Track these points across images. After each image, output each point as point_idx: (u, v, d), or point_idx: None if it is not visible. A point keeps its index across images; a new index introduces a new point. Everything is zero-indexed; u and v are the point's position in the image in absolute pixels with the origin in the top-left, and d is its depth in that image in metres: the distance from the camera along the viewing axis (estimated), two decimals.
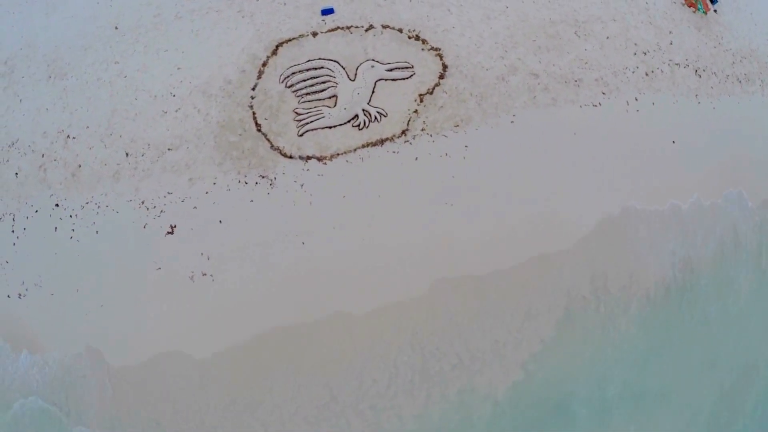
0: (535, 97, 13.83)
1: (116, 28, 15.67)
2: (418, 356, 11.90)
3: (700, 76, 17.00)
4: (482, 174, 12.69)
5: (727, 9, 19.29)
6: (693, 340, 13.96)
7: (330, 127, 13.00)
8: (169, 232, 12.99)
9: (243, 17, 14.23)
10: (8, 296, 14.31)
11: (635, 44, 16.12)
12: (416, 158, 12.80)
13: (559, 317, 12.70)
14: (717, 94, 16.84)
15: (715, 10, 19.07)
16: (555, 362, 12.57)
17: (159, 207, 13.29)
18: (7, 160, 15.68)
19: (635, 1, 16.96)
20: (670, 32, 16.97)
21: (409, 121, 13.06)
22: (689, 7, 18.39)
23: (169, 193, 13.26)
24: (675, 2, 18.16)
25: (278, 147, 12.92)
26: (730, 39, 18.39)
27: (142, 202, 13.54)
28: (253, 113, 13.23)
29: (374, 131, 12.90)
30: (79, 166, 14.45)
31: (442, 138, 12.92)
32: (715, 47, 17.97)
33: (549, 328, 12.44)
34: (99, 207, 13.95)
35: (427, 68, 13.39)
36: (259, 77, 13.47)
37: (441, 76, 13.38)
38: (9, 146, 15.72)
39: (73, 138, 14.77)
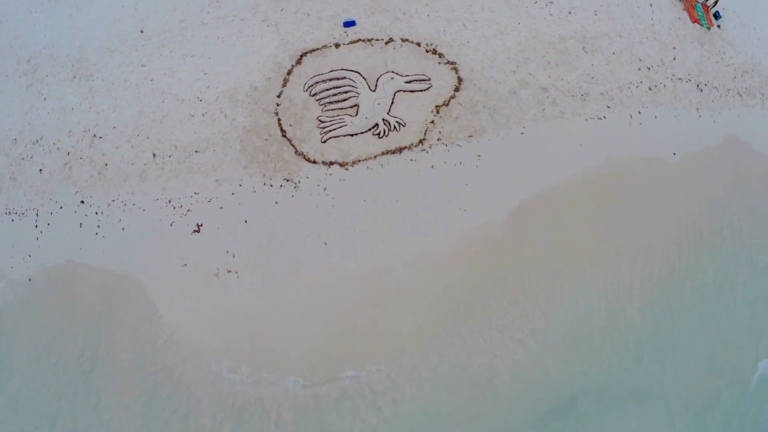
0: (544, 110, 15.47)
1: (142, 31, 17.10)
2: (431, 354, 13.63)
3: (702, 91, 18.73)
4: (494, 182, 14.32)
5: (730, 25, 21.02)
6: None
7: (351, 135, 14.59)
8: (195, 231, 14.48)
9: (268, 26, 15.74)
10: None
11: (640, 60, 17.81)
12: (432, 166, 14.38)
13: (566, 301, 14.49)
14: (718, 107, 18.57)
15: (718, 26, 20.80)
16: (560, 344, 14.21)
17: (186, 206, 14.75)
18: (31, 157, 17.06)
19: (641, 17, 18.66)
20: (674, 48, 18.68)
21: (426, 130, 14.68)
22: (693, 22, 20.11)
23: (195, 193, 14.74)
24: (680, 18, 19.89)
25: (302, 152, 14.50)
26: (732, 54, 20.13)
27: (169, 201, 14.99)
28: (279, 119, 14.79)
29: (393, 140, 14.51)
30: (106, 165, 15.87)
31: (456, 147, 14.54)
32: (717, 62, 19.70)
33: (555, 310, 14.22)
34: (125, 205, 15.40)
35: (443, 81, 15.02)
36: (284, 85, 15.02)
37: (456, 89, 15.01)
38: (33, 143, 17.12)
39: (100, 137, 16.19)
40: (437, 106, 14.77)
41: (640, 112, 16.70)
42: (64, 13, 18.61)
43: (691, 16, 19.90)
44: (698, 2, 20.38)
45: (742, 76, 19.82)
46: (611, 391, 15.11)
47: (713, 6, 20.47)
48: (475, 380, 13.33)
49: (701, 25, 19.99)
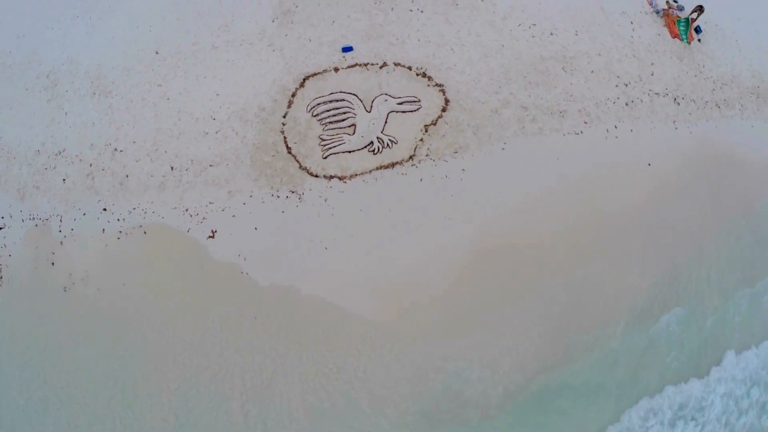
0: (524, 127, 18.53)
1: (157, 53, 20.20)
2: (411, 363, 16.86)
3: (679, 104, 21.63)
4: (477, 194, 17.47)
5: (711, 38, 23.84)
6: None
7: (349, 152, 17.68)
8: (210, 236, 17.64)
9: (273, 51, 18.84)
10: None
11: (618, 77, 20.76)
12: (421, 179, 17.48)
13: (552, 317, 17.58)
14: (695, 119, 21.44)
15: (699, 40, 23.63)
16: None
17: (201, 214, 17.90)
18: (54, 168, 20.18)
19: (621, 35, 21.60)
20: (652, 64, 21.58)
21: (415, 147, 17.74)
22: (673, 38, 22.98)
23: (210, 203, 17.90)
24: (659, 34, 22.80)
25: (306, 167, 17.63)
26: (711, 67, 22.98)
27: (186, 210, 18.12)
28: (284, 137, 17.93)
29: (387, 156, 17.59)
30: (127, 176, 18.99)
31: (443, 162, 17.64)
32: (695, 76, 22.59)
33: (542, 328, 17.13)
34: (146, 212, 18.52)
35: (432, 102, 18.09)
36: (289, 106, 18.13)
37: (443, 109, 18.09)
38: (56, 155, 20.22)
39: (120, 151, 19.31)
40: (426, 126, 17.85)
41: (616, 127, 19.55)
42: (80, 31, 21.59)
43: (671, 32, 22.58)
44: (680, 18, 23.18)
45: (721, 88, 22.55)
46: (588, 388, 17.71)
47: (695, 20, 23.19)
48: (458, 384, 16.51)
49: (681, 40, 22.76)
